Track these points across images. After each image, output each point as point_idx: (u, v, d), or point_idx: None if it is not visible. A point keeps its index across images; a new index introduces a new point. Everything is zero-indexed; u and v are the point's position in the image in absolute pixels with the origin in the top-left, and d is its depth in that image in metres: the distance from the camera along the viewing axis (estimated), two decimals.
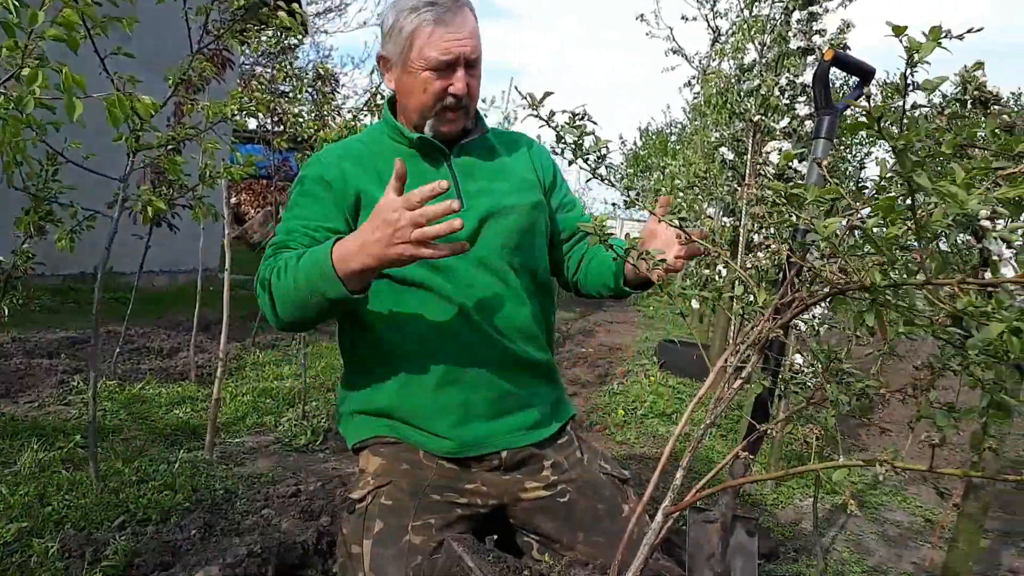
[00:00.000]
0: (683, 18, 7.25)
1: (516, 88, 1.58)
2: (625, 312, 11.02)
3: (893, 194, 0.83)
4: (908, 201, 0.81)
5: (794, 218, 1.05)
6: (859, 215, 0.94)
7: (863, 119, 0.84)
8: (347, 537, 1.61)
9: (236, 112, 2.47)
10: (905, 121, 0.99)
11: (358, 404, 1.77)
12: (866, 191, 1.09)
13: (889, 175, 0.94)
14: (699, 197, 5.62)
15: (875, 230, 0.86)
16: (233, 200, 15.11)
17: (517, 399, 1.73)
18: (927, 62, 0.99)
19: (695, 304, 6.33)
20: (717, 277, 4.15)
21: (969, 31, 1.02)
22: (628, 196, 1.42)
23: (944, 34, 0.95)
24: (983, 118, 1.59)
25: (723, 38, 6.51)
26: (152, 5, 2.46)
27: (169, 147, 2.53)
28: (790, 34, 3.80)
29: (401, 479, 1.65)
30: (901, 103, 1.01)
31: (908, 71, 1.01)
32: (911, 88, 1.01)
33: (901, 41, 0.94)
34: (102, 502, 2.35)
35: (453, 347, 1.66)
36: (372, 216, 1.38)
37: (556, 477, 1.73)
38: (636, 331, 8.77)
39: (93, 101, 1.77)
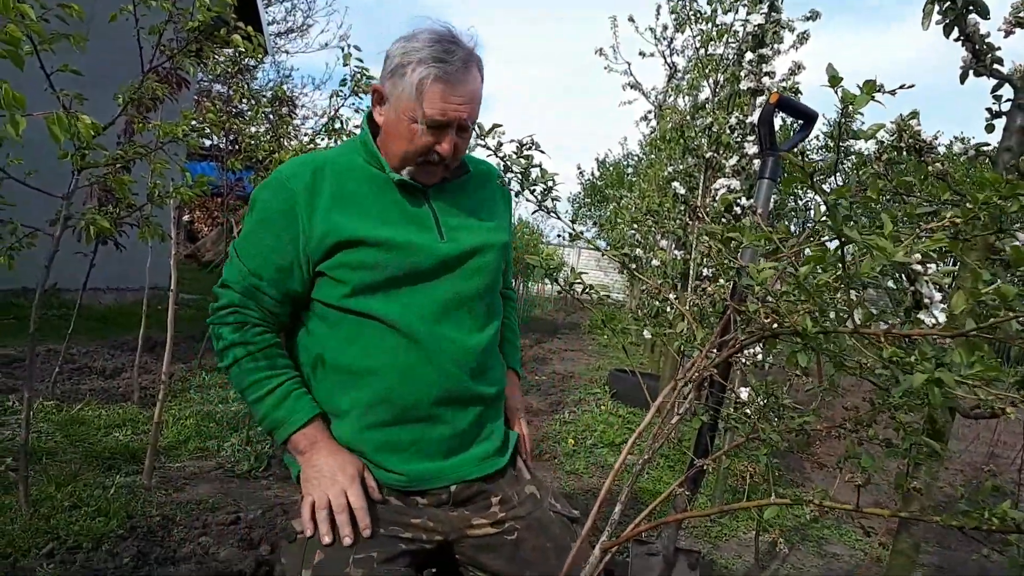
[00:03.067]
0: (641, 54, 7.41)
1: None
2: (580, 340, 11.07)
3: (824, 245, 0.86)
4: (838, 252, 0.83)
5: (731, 261, 1.08)
6: (792, 261, 0.97)
7: (797, 174, 0.87)
8: (286, 567, 1.57)
9: (187, 132, 2.43)
10: (839, 174, 1.03)
11: None
12: (802, 234, 1.12)
13: (823, 223, 0.97)
14: (652, 229, 5.71)
15: (806, 278, 0.89)
16: (186, 218, 14.89)
17: (470, 436, 1.71)
18: (861, 114, 1.04)
19: (647, 334, 6.40)
20: (668, 309, 4.20)
21: (901, 87, 1.06)
22: (572, 230, 1.44)
23: (878, 88, 1.00)
24: (919, 164, 1.65)
25: (679, 75, 6.67)
26: (110, 22, 2.43)
27: (117, 165, 2.49)
28: (742, 74, 3.91)
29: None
30: (835, 155, 1.05)
31: (843, 120, 1.05)
32: (846, 137, 1.04)
33: (836, 92, 0.98)
34: (31, 528, 2.26)
35: (412, 384, 1.63)
36: (330, 467, 1.58)
37: (504, 514, 1.71)
38: (590, 359, 8.80)
39: (36, 119, 1.73)
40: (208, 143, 5.02)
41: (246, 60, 4.11)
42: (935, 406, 0.79)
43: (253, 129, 4.11)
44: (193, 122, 2.43)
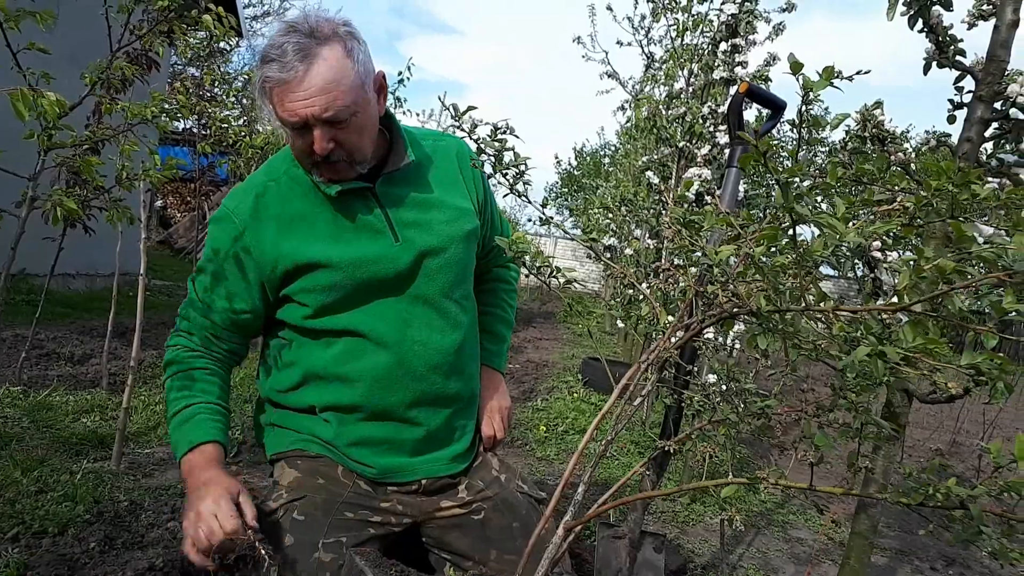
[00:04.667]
0: (618, 43, 7.43)
1: (440, 99, 1.59)
2: (555, 329, 11.11)
3: (778, 225, 0.87)
4: (791, 231, 0.85)
5: (692, 244, 1.10)
6: (751, 245, 0.99)
7: (753, 153, 0.88)
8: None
9: (156, 114, 2.41)
10: (798, 156, 1.05)
11: (280, 420, 1.74)
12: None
13: (780, 205, 0.99)
14: (627, 219, 5.74)
15: (762, 258, 0.90)
16: (159, 203, 14.71)
17: (442, 435, 1.72)
18: (820, 99, 1.05)
19: (620, 323, 6.45)
20: (639, 299, 4.23)
21: (858, 73, 1.08)
22: (544, 214, 1.44)
23: (836, 74, 1.02)
24: (881, 153, 1.68)
25: (656, 64, 6.70)
26: (78, 1, 2.39)
27: (85, 147, 2.46)
28: (716, 64, 3.93)
29: (315, 494, 1.63)
30: (796, 137, 1.07)
31: (804, 107, 1.07)
32: (806, 124, 1.06)
33: (797, 79, 1.00)
34: None
35: (388, 390, 1.63)
36: (206, 489, 1.43)
37: (472, 496, 1.73)
38: (564, 348, 8.84)
39: (3, 97, 1.71)
40: (181, 127, 4.96)
41: (219, 43, 4.06)
42: (884, 382, 0.81)
43: (224, 113, 4.07)
44: (165, 103, 2.40)
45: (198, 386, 1.63)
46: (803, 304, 0.87)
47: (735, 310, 1.00)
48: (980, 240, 0.74)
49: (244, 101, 3.99)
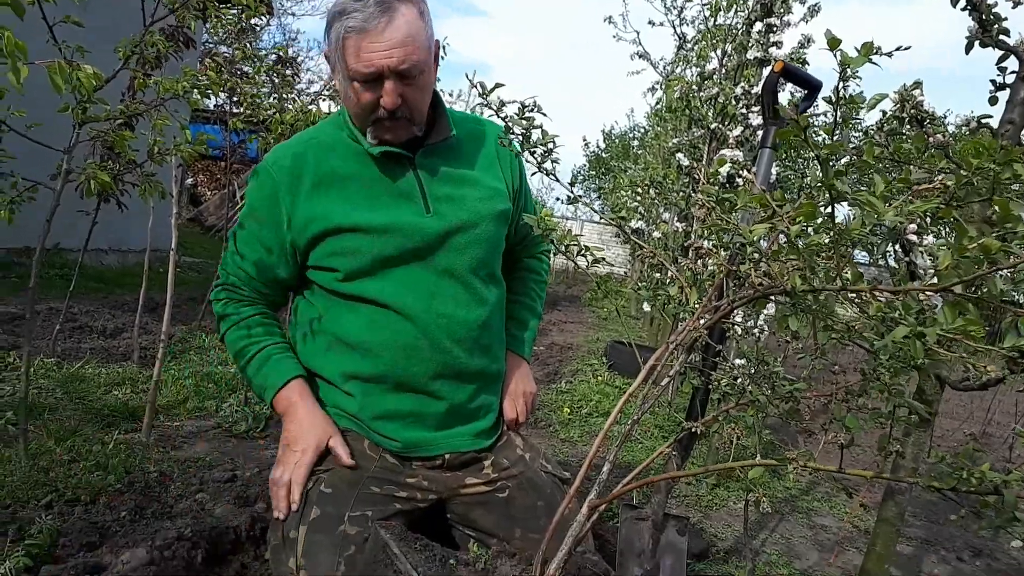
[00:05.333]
0: (650, 23, 7.33)
1: (468, 78, 1.58)
2: (580, 313, 11.09)
3: (813, 202, 0.86)
4: (829, 209, 0.84)
5: (725, 223, 1.08)
6: (785, 223, 0.97)
7: (792, 128, 0.87)
8: (283, 521, 1.60)
9: (188, 90, 2.42)
10: (836, 135, 1.03)
11: None
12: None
13: (817, 184, 0.98)
14: (656, 201, 5.70)
15: (797, 237, 0.89)
16: (189, 181, 14.85)
17: (466, 411, 1.73)
18: (858, 76, 1.03)
19: (646, 307, 6.41)
20: (668, 281, 4.21)
21: (898, 49, 1.06)
22: (571, 193, 1.43)
23: (875, 51, 0.99)
24: (919, 134, 1.65)
25: (688, 45, 6.61)
26: None
27: (118, 121, 2.48)
28: (749, 44, 3.87)
29: (343, 468, 1.65)
30: (834, 115, 1.04)
31: (841, 84, 1.04)
32: (843, 103, 1.04)
33: (835, 55, 0.98)
34: (30, 480, 2.29)
35: (409, 358, 1.64)
36: (294, 436, 1.63)
37: (497, 474, 1.74)
38: (588, 332, 8.82)
39: (40, 71, 1.73)
40: (211, 104, 4.99)
41: (251, 19, 4.07)
42: (918, 367, 0.80)
43: (255, 90, 4.08)
44: (197, 78, 2.42)
45: (261, 330, 1.71)
46: (839, 284, 0.86)
47: (768, 290, 0.99)
48: None
49: (275, 79, 4.00)
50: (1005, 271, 0.69)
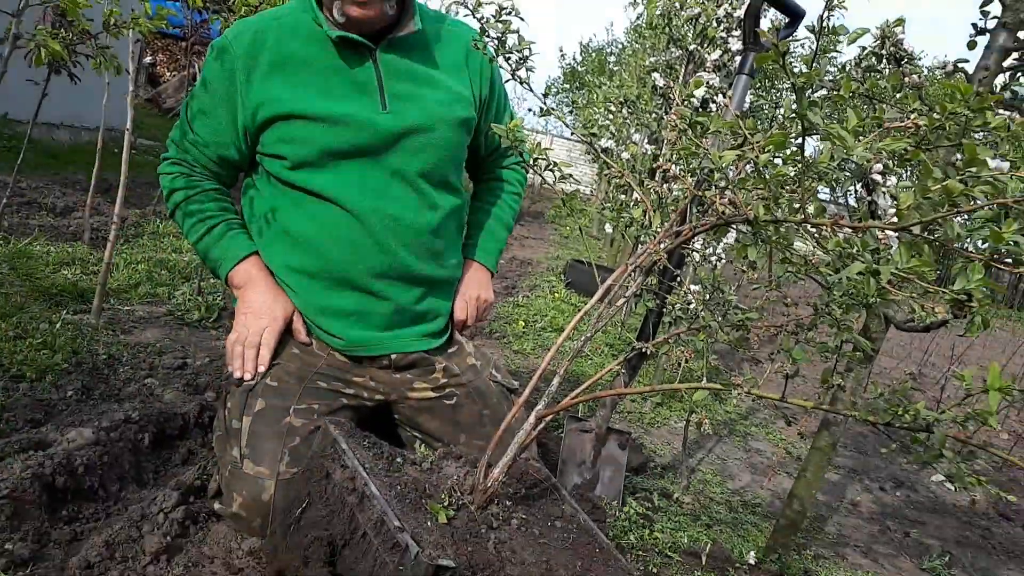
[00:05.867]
0: None
1: None
2: (542, 229, 11.10)
3: (785, 131, 0.85)
4: (799, 141, 0.83)
5: (695, 147, 1.07)
6: (755, 151, 0.97)
7: (770, 53, 0.85)
8: (229, 411, 1.61)
9: None
10: (814, 65, 1.01)
11: None
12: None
13: (791, 115, 0.97)
14: (627, 121, 5.64)
15: (764, 167, 0.89)
16: (148, 60, 14.21)
17: (413, 314, 1.72)
18: (844, 6, 1.01)
19: (608, 229, 6.43)
20: (632, 203, 4.21)
21: None
22: (544, 104, 1.40)
23: None
24: (895, 73, 1.64)
25: None
26: None
27: None
28: None
29: (289, 362, 1.65)
30: (815, 45, 1.03)
31: (826, 13, 1.02)
32: (825, 32, 1.02)
33: None
34: None
35: (353, 256, 1.62)
36: (258, 303, 1.63)
37: (446, 380, 1.75)
38: (549, 248, 8.85)
39: None
40: None
41: None
42: (868, 305, 0.81)
43: None
44: None
45: (216, 205, 1.68)
46: (801, 217, 0.86)
47: (730, 218, 0.99)
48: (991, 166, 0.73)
49: None
50: (964, 215, 0.70)
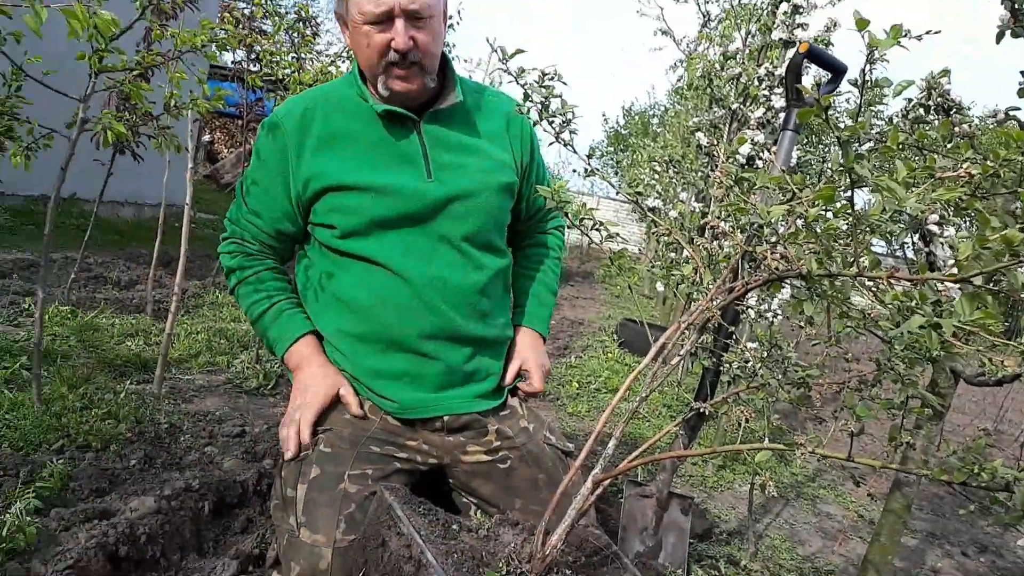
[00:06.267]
0: None
1: (488, 42, 1.56)
2: (592, 289, 11.08)
3: (833, 184, 0.84)
4: (848, 194, 0.82)
5: (743, 203, 1.07)
6: (804, 206, 0.96)
7: (815, 107, 0.85)
8: (284, 480, 1.62)
9: (206, 43, 2.41)
10: (859, 118, 1.00)
11: None
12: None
13: (838, 168, 0.96)
14: (674, 180, 5.65)
15: (815, 221, 0.87)
16: (207, 138, 14.84)
17: (463, 373, 1.73)
18: (885, 59, 1.00)
19: (660, 287, 6.39)
20: (682, 260, 4.18)
21: (928, 32, 1.03)
22: (588, 165, 1.42)
23: (904, 33, 0.97)
24: (945, 122, 1.61)
25: (712, 23, 6.50)
26: None
27: (135, 72, 2.47)
28: (774, 24, 3.80)
29: (343, 428, 1.66)
30: (859, 98, 1.02)
31: (868, 66, 1.02)
32: (869, 85, 1.02)
33: (863, 36, 0.95)
34: (42, 425, 2.32)
35: (403, 320, 1.64)
36: (306, 384, 1.66)
37: (499, 443, 1.74)
38: (600, 308, 8.82)
39: (59, 20, 1.72)
40: (229, 60, 4.96)
41: None
42: (933, 359, 0.79)
43: (274, 48, 4.06)
44: (215, 31, 2.40)
45: (273, 285, 1.73)
46: (855, 270, 0.85)
47: (783, 273, 0.97)
48: None
49: (295, 37, 3.97)
50: None
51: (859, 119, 0.95)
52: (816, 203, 0.85)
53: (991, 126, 1.81)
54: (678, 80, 7.15)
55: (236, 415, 2.89)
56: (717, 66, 4.04)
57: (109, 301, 4.47)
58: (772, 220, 0.92)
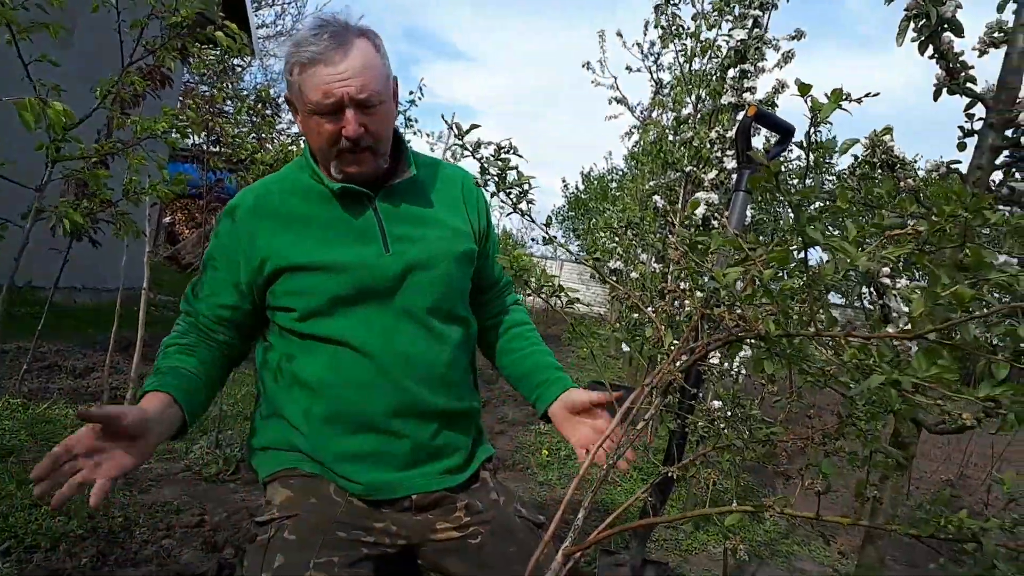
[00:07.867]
0: (628, 68, 7.46)
1: (444, 119, 1.58)
2: (559, 352, 11.07)
3: (787, 247, 0.85)
4: (801, 254, 0.83)
5: (699, 266, 1.08)
6: (758, 267, 0.97)
7: (764, 174, 0.87)
8: (247, 570, 1.55)
9: (167, 130, 2.41)
10: (809, 180, 1.03)
11: (270, 440, 1.72)
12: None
13: (791, 229, 0.98)
14: (634, 242, 5.73)
15: (770, 282, 0.88)
16: (167, 219, 14.77)
17: (431, 449, 1.70)
18: (830, 123, 1.04)
19: (625, 347, 6.41)
20: (644, 322, 4.21)
21: (867, 95, 1.07)
22: (547, 234, 1.43)
23: (845, 97, 1.00)
24: (890, 178, 1.67)
25: (664, 90, 6.72)
26: (95, 15, 2.41)
27: (93, 160, 2.46)
28: (724, 89, 3.94)
29: (308, 514, 1.60)
30: (806, 160, 1.05)
31: (812, 130, 1.05)
32: (815, 148, 1.05)
33: (806, 101, 0.99)
34: None
35: (369, 398, 1.61)
36: None
37: (469, 519, 1.69)
38: (568, 371, 8.77)
39: (13, 109, 1.71)
40: (190, 143, 4.98)
41: (231, 60, 4.08)
42: (894, 411, 0.79)
43: (236, 130, 4.08)
44: (176, 118, 2.41)
45: (174, 358, 1.60)
46: (813, 329, 0.85)
47: (742, 334, 0.98)
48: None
49: (255, 119, 4.00)
50: (978, 318, 0.69)
51: (809, 183, 0.98)
52: (770, 264, 0.86)
53: (935, 179, 1.88)
54: (634, 145, 7.34)
55: (195, 504, 2.79)
56: (669, 131, 4.16)
57: (63, 391, 4.34)
58: (727, 283, 0.93)
